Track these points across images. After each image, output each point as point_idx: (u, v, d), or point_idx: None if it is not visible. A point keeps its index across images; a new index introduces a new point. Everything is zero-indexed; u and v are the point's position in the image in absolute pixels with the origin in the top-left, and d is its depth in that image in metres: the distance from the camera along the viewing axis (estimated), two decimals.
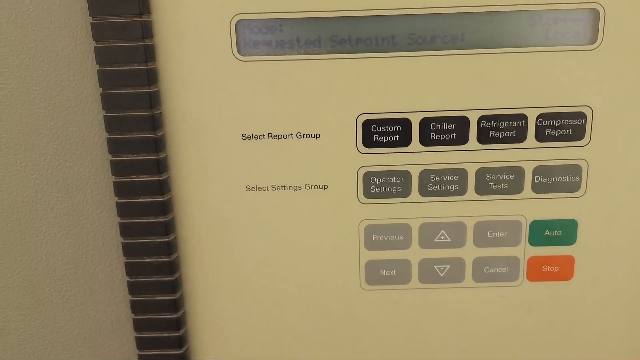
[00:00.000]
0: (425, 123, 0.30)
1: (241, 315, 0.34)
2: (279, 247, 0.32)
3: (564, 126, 0.30)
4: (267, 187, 0.31)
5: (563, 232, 0.32)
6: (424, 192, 0.31)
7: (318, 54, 0.29)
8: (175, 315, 0.32)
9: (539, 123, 0.30)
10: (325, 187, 0.31)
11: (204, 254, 0.32)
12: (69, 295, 0.33)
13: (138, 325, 0.33)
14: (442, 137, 0.30)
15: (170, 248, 0.31)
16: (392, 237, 0.32)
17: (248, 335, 0.34)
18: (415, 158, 0.31)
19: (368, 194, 0.31)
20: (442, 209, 0.32)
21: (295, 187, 0.31)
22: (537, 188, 0.31)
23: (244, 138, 0.31)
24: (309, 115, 0.30)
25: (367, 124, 0.30)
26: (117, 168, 0.30)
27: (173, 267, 0.32)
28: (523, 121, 0.30)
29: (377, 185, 0.31)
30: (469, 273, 0.33)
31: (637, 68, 0.29)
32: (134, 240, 0.31)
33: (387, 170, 0.31)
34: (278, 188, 0.31)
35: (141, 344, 0.33)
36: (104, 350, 0.35)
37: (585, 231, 0.32)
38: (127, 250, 0.31)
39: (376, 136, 0.30)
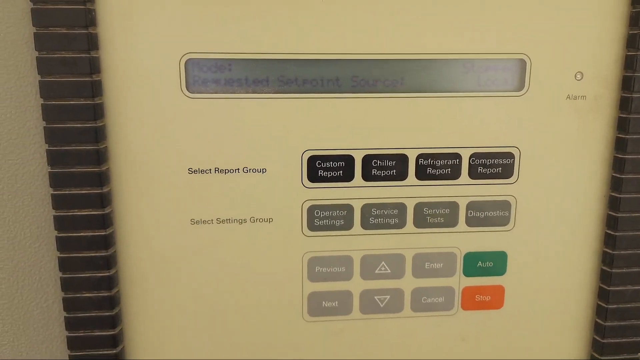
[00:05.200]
0: (367, 160, 0.38)
1: (183, 350, 0.40)
2: (223, 279, 0.39)
3: (495, 165, 0.39)
4: (212, 220, 0.38)
5: (494, 263, 0.41)
6: (365, 225, 0.39)
7: (266, 93, 0.37)
8: (114, 351, 0.38)
9: (472, 162, 0.39)
10: (271, 220, 0.39)
11: (146, 288, 0.39)
12: (1, 332, 0.39)
13: None
14: (383, 173, 0.39)
15: (111, 282, 0.37)
16: (335, 269, 0.40)
17: None
18: (357, 193, 0.39)
19: (312, 226, 0.39)
20: (383, 242, 0.40)
21: (240, 221, 0.38)
22: (470, 222, 0.40)
23: (190, 172, 0.37)
24: (255, 150, 0.37)
25: (312, 160, 0.38)
26: (59, 202, 0.36)
27: (113, 302, 0.38)
28: (457, 160, 0.39)
29: (320, 219, 0.39)
30: (407, 303, 0.41)
31: (559, 113, 0.39)
32: (73, 274, 0.37)
33: (330, 204, 0.39)
34: (223, 221, 0.38)
35: None
36: None
37: (514, 262, 0.41)
38: (66, 285, 0.37)
39: (321, 171, 0.38)
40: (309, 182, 0.38)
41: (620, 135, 0.39)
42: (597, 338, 0.42)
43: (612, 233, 0.40)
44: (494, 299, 0.41)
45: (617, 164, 0.39)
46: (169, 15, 0.35)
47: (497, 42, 0.37)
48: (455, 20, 0.37)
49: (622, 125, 0.39)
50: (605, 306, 0.41)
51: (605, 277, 0.41)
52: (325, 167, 0.38)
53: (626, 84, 0.38)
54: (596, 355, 0.42)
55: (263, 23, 0.36)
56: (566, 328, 0.42)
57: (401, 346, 0.42)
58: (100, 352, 0.38)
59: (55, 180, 0.36)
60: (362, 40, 0.37)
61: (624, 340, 0.42)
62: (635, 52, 0.37)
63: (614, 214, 0.40)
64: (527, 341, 0.42)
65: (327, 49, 0.36)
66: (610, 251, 0.40)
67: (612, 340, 0.42)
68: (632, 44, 0.38)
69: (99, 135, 0.36)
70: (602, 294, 0.41)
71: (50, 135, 0.35)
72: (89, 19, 0.34)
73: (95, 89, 0.35)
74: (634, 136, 0.38)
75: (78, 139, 0.35)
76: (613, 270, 0.40)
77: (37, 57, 0.34)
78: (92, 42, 0.34)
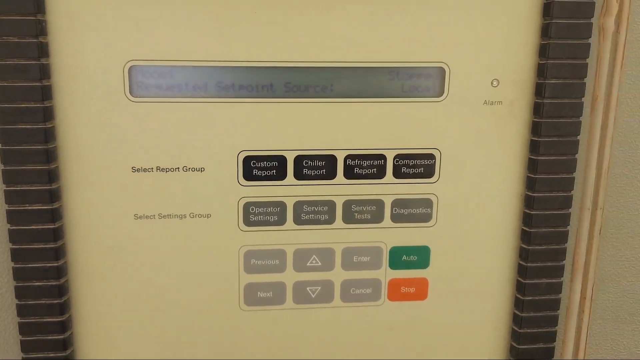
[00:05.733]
0: (298, 160, 0.42)
1: (128, 335, 0.44)
2: (165, 270, 0.43)
3: (417, 165, 0.43)
4: (154, 215, 0.42)
5: (418, 257, 0.45)
6: (298, 221, 0.44)
7: (204, 97, 0.41)
8: (62, 336, 0.42)
9: (396, 162, 0.43)
10: (209, 215, 0.43)
11: (93, 278, 0.43)
12: None
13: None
14: (314, 172, 0.43)
15: (60, 273, 0.41)
16: (269, 262, 0.44)
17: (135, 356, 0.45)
18: (290, 191, 0.43)
19: (248, 222, 0.43)
20: (314, 236, 0.44)
21: (180, 216, 0.42)
22: (395, 218, 0.44)
23: (134, 170, 0.41)
24: (194, 151, 0.41)
25: (247, 160, 0.42)
26: (11, 197, 0.40)
27: (62, 291, 0.42)
28: (382, 160, 0.43)
29: (255, 215, 0.43)
30: (337, 294, 0.45)
31: (477, 117, 0.43)
32: (24, 265, 0.41)
33: (264, 201, 0.43)
34: (164, 217, 0.42)
35: None
36: None
37: (437, 256, 0.45)
38: (18, 274, 0.41)
39: (255, 170, 0.42)
40: (244, 180, 0.42)
41: (534, 138, 0.43)
42: (515, 328, 0.46)
43: (527, 229, 0.44)
44: (418, 291, 0.46)
45: (531, 165, 0.44)
46: (113, 26, 0.39)
47: (419, 51, 0.42)
48: (381, 31, 0.41)
49: (535, 128, 0.43)
50: (522, 298, 0.45)
51: (521, 270, 0.45)
52: (259, 167, 0.42)
53: (538, 90, 0.43)
54: (514, 345, 0.47)
55: (202, 33, 0.40)
56: (487, 318, 0.47)
57: (332, 334, 0.46)
58: (50, 337, 0.42)
59: (8, 177, 0.40)
60: (294, 49, 0.41)
61: (539, 330, 0.46)
62: (546, 60, 0.42)
63: (528, 211, 0.44)
64: (450, 330, 0.47)
65: (261, 57, 0.41)
66: (526, 246, 0.45)
67: (529, 330, 0.46)
68: (543, 53, 0.42)
69: (48, 135, 0.39)
70: (519, 287, 0.46)
71: (4, 136, 0.39)
72: (39, 29, 0.38)
73: (45, 93, 0.39)
74: (546, 139, 0.43)
75: (29, 139, 0.39)
76: (528, 264, 0.45)
77: None
78: (42, 50, 0.38)
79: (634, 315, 0.49)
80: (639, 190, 0.46)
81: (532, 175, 0.44)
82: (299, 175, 0.43)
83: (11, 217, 0.40)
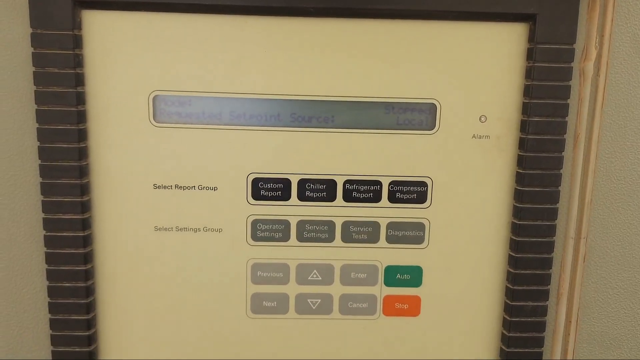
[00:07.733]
0: (302, 183, 0.48)
1: (144, 336, 0.49)
2: (179, 277, 0.49)
3: (410, 192, 0.48)
4: (172, 228, 0.48)
5: (411, 276, 0.49)
6: (300, 238, 0.48)
7: (218, 124, 0.46)
8: (87, 333, 0.48)
9: (391, 188, 0.48)
10: (220, 230, 0.48)
11: (116, 281, 0.48)
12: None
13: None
14: (315, 195, 0.48)
15: (88, 275, 0.47)
16: (274, 274, 0.49)
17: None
18: (294, 210, 0.48)
19: (255, 237, 0.48)
20: (315, 253, 0.49)
21: (195, 229, 0.48)
22: (390, 239, 0.49)
23: (155, 187, 0.47)
24: (208, 171, 0.47)
25: (255, 181, 0.47)
26: (47, 207, 0.46)
27: (89, 292, 0.47)
28: (378, 186, 0.48)
29: (262, 231, 0.48)
30: (336, 307, 0.50)
31: (466, 149, 0.47)
32: (57, 267, 0.47)
33: (270, 219, 0.48)
34: (181, 229, 0.48)
35: None
36: None
37: (429, 276, 0.49)
38: (51, 275, 0.47)
39: (263, 191, 0.48)
40: (252, 199, 0.48)
41: (519, 170, 0.47)
42: (503, 347, 0.50)
43: (514, 255, 0.48)
44: (412, 307, 0.50)
45: (517, 195, 0.48)
46: (140, 60, 0.45)
47: (413, 88, 0.47)
48: (378, 69, 0.46)
49: (520, 162, 0.47)
50: (509, 319, 0.49)
51: (508, 293, 0.49)
52: (266, 188, 0.48)
53: (523, 126, 0.47)
54: None
55: (217, 68, 0.46)
56: (476, 337, 0.51)
57: (330, 344, 0.50)
58: (77, 333, 0.48)
59: (45, 189, 0.46)
60: (300, 84, 0.46)
61: (526, 350, 0.49)
62: (530, 100, 0.46)
63: (515, 238, 0.48)
64: (441, 345, 0.51)
65: (270, 90, 0.46)
66: (512, 270, 0.48)
67: (516, 350, 0.49)
68: (527, 93, 0.46)
69: (81, 154, 0.46)
70: (506, 308, 0.49)
71: (42, 153, 0.46)
72: (77, 61, 0.44)
73: (80, 117, 0.45)
74: (530, 171, 0.47)
75: (64, 156, 0.46)
76: (515, 288, 0.48)
77: (34, 90, 0.45)
78: (79, 80, 0.45)
79: (619, 341, 0.52)
80: (620, 221, 0.50)
81: (518, 205, 0.48)
82: (302, 196, 0.48)
83: (47, 224, 0.46)
